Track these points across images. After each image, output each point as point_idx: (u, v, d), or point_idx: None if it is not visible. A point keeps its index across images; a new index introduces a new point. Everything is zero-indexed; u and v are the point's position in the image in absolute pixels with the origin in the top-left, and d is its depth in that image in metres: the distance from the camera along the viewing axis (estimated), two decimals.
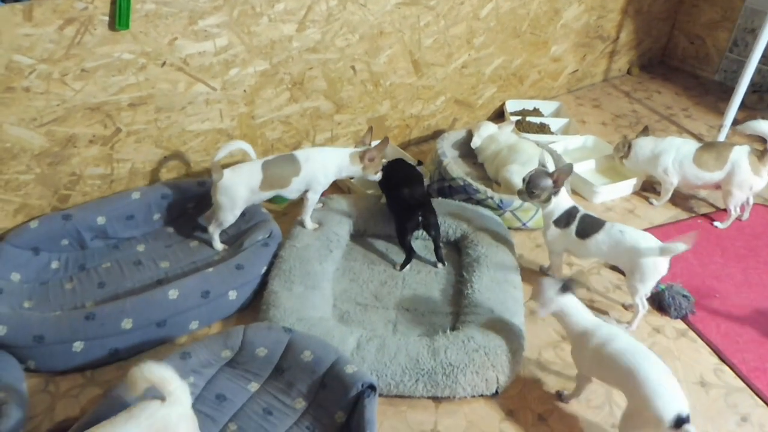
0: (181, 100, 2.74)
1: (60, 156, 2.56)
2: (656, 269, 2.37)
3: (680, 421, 1.74)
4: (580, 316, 2.06)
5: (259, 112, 3.01)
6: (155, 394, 1.66)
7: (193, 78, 2.72)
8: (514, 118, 3.89)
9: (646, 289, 2.42)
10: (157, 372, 1.65)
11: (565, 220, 2.52)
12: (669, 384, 1.82)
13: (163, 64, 2.61)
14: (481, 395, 2.23)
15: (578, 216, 2.50)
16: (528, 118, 3.94)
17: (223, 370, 2.14)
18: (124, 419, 1.59)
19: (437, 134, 3.78)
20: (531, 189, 2.50)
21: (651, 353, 1.92)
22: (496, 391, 2.23)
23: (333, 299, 2.54)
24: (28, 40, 2.27)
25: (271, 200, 3.14)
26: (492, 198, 2.99)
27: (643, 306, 2.48)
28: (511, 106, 4.10)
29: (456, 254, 2.84)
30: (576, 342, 2.09)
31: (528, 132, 3.74)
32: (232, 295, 2.50)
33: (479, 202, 3.03)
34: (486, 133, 3.38)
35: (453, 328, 2.38)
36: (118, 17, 2.38)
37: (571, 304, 2.07)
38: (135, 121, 2.67)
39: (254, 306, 2.53)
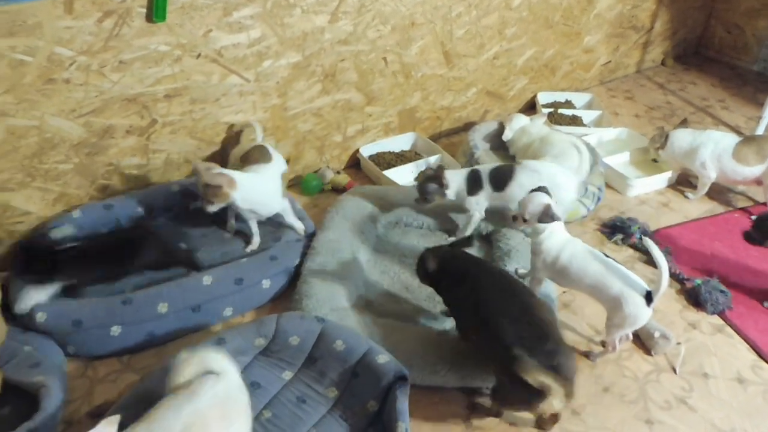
0: (215, 92, 2.77)
1: (98, 146, 2.61)
2: None
3: None
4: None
5: (291, 104, 3.02)
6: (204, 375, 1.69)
7: (227, 69, 2.74)
8: (546, 111, 3.85)
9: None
10: (202, 355, 1.70)
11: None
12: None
13: (198, 55, 2.63)
14: None
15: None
16: (560, 110, 3.90)
17: (257, 358, 2.16)
18: (187, 396, 1.62)
19: (468, 126, 3.76)
20: (424, 196, 2.60)
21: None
22: None
23: (364, 291, 2.55)
24: (68, 33, 2.32)
25: (302, 190, 3.18)
26: None
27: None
28: (543, 98, 4.06)
29: (488, 247, 2.83)
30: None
31: (560, 124, 3.70)
32: (266, 284, 2.53)
33: None
34: (518, 125, 3.35)
35: None
36: (155, 9, 2.41)
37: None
38: (170, 112, 2.70)
39: (287, 296, 2.56)
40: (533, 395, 1.80)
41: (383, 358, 2.03)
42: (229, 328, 2.26)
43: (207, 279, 2.42)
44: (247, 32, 2.71)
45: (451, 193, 2.67)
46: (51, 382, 2.08)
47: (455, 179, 2.67)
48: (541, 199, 2.21)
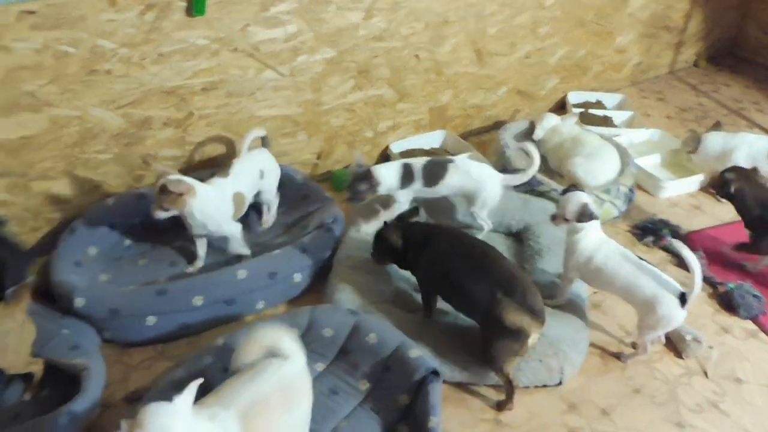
0: (250, 86, 2.80)
1: (136, 137, 2.66)
2: None
3: None
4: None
5: (324, 99, 3.05)
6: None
7: (263, 64, 2.78)
8: (577, 110, 3.84)
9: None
10: (275, 334, 1.72)
11: None
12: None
13: (235, 50, 2.67)
14: (543, 386, 2.22)
15: None
16: (590, 111, 3.88)
17: None
18: (250, 377, 1.65)
19: (498, 125, 3.75)
20: (355, 195, 2.58)
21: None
22: (559, 382, 2.22)
23: (395, 285, 2.56)
24: (111, 25, 2.36)
25: (332, 185, 3.20)
26: (555, 190, 2.96)
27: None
28: (574, 98, 4.04)
29: (518, 245, 2.83)
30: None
31: (590, 125, 3.67)
32: (297, 277, 2.56)
33: (542, 194, 3.00)
34: (549, 124, 3.34)
35: None
36: (195, 3, 2.45)
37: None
38: (207, 105, 2.75)
39: (318, 290, 2.58)
40: (517, 337, 2.01)
41: (415, 352, 2.05)
42: (263, 318, 2.29)
43: (241, 273, 2.45)
44: (284, 27, 2.74)
45: (383, 189, 2.64)
46: (92, 365, 2.13)
47: (386, 174, 2.63)
48: (580, 198, 2.21)
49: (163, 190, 2.29)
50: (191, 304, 2.36)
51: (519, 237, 2.87)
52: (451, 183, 2.68)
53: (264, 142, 2.78)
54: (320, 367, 2.17)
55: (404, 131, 3.47)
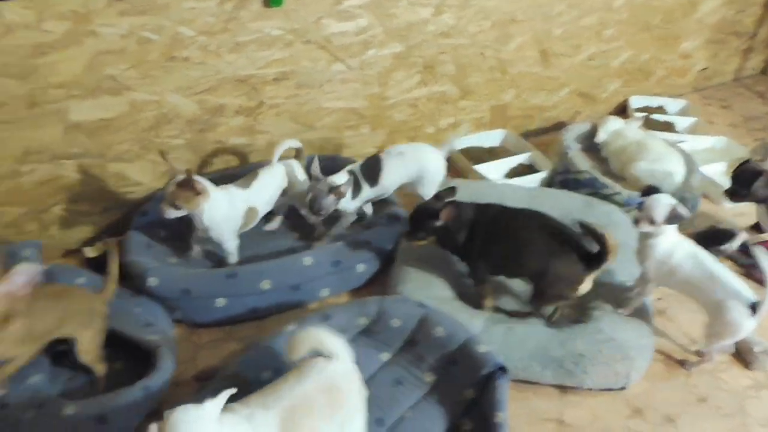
0: (320, 78, 2.84)
1: (209, 124, 2.72)
2: None
3: None
4: None
5: (390, 93, 3.07)
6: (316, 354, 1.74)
7: (334, 56, 2.81)
8: (639, 115, 3.78)
9: None
10: (320, 335, 1.73)
11: None
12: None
13: (308, 41, 2.71)
14: (608, 390, 2.21)
15: None
16: (652, 116, 3.82)
17: (357, 337, 2.22)
18: (296, 377, 1.67)
19: (558, 126, 3.73)
20: (316, 210, 2.47)
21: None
22: (623, 387, 2.20)
23: (458, 282, 2.57)
24: (192, 13, 2.42)
25: None
26: (619, 194, 2.93)
27: None
28: (635, 102, 3.98)
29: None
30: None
31: (652, 130, 3.62)
32: (361, 267, 2.59)
33: (605, 198, 2.97)
34: (612, 128, 3.31)
35: (579, 321, 2.36)
36: None
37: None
38: (277, 95, 2.79)
39: (380, 281, 2.61)
40: (571, 284, 2.20)
41: (483, 347, 2.06)
42: (334, 305, 2.32)
43: (307, 260, 2.50)
44: (355, 21, 2.77)
45: (345, 201, 2.57)
46: (165, 343, 2.20)
47: (348, 186, 2.53)
48: (668, 200, 2.19)
49: (182, 185, 2.27)
50: (259, 288, 2.41)
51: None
52: (391, 173, 2.66)
53: (297, 153, 2.77)
54: (385, 357, 2.20)
55: (465, 128, 3.47)
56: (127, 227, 2.64)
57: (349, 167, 2.68)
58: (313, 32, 2.69)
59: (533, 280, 2.28)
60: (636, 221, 2.23)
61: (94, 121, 2.49)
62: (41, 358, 2.21)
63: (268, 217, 2.74)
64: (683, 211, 2.17)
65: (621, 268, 2.52)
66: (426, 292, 2.37)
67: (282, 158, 2.68)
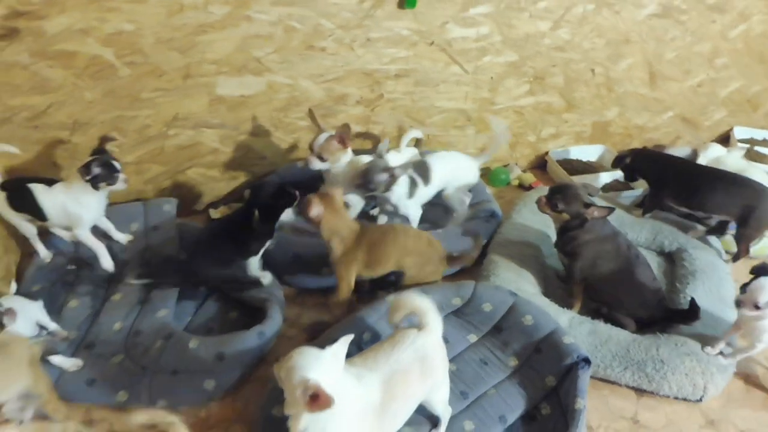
0: (436, 78, 3.06)
1: (331, 110, 2.99)
2: None
3: None
4: None
5: (498, 99, 3.25)
6: (411, 323, 1.94)
7: (452, 59, 3.02)
8: (742, 145, 3.78)
9: None
10: (421, 302, 1.92)
11: None
12: None
13: (431, 43, 2.92)
14: (684, 399, 2.29)
15: None
16: (756, 148, 3.81)
17: (449, 317, 2.41)
18: (391, 345, 1.86)
19: (657, 148, 3.77)
20: (366, 182, 2.52)
21: None
22: (700, 399, 2.28)
23: (545, 279, 2.71)
24: (334, 8, 2.69)
25: (489, 180, 3.38)
26: (710, 218, 2.99)
27: None
28: (739, 132, 3.97)
29: (669, 264, 2.89)
30: None
31: (755, 162, 3.62)
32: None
33: (699, 220, 3.03)
34: (713, 154, 3.34)
35: (661, 332, 2.45)
36: None
37: None
38: (396, 90, 3.03)
39: (472, 272, 2.78)
40: None
41: (568, 339, 2.20)
42: (431, 284, 2.52)
43: None
44: (477, 28, 2.96)
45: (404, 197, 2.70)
46: (275, 298, 2.46)
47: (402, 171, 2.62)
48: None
49: (331, 138, 2.58)
50: None
51: (671, 257, 2.92)
52: (438, 174, 2.77)
53: (417, 143, 2.99)
54: (473, 338, 2.37)
55: (565, 140, 3.60)
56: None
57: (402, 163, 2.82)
58: (437, 35, 2.91)
59: None
60: (738, 303, 2.19)
61: (235, 96, 2.80)
62: (169, 295, 2.54)
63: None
64: None
65: (710, 285, 2.60)
66: (515, 285, 2.52)
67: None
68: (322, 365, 1.61)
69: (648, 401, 2.30)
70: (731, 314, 2.49)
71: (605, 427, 2.19)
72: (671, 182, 2.93)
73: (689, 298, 2.53)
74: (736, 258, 2.87)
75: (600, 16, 3.14)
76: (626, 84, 3.49)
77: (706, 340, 2.36)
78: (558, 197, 2.44)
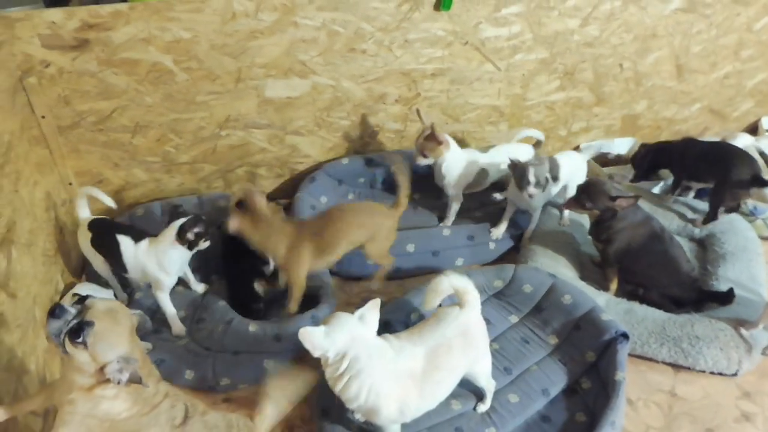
0: (470, 76, 3.20)
1: (372, 109, 3.15)
2: None
3: None
4: None
5: (530, 95, 3.38)
6: (452, 301, 2.08)
7: (485, 58, 3.16)
8: None
9: None
10: (460, 281, 2.06)
11: None
12: None
13: (466, 43, 3.07)
14: (720, 374, 2.39)
15: None
16: None
17: (490, 299, 2.54)
18: (435, 321, 2.02)
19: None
20: (535, 182, 2.63)
21: None
22: (735, 373, 2.38)
23: (581, 264, 2.83)
24: (374, 12, 2.85)
25: None
26: (745, 203, 3.07)
27: None
28: (767, 122, 4.04)
29: (701, 249, 2.98)
30: None
31: None
32: (492, 245, 2.92)
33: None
34: (742, 143, 3.43)
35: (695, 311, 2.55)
36: (444, 0, 2.88)
37: None
38: (432, 88, 3.18)
39: (509, 260, 2.91)
40: None
41: (607, 316, 2.32)
42: (474, 268, 2.66)
43: (446, 231, 2.89)
44: (509, 27, 3.10)
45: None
46: (327, 286, 2.63)
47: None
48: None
49: (428, 138, 2.77)
50: (405, 250, 2.80)
51: (702, 243, 3.01)
52: (565, 172, 2.88)
53: (537, 144, 3.10)
54: (514, 319, 2.51)
55: (595, 134, 3.71)
56: (294, 192, 3.12)
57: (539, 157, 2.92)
58: (471, 35, 3.05)
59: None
60: None
61: (282, 98, 2.98)
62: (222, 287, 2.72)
63: None
64: None
65: (741, 267, 2.69)
66: (552, 270, 2.64)
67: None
68: (346, 325, 1.82)
69: (684, 376, 2.40)
70: (764, 294, 2.59)
71: (644, 400, 2.31)
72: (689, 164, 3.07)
73: (721, 281, 2.64)
74: (706, 221, 3.01)
75: (627, 12, 3.26)
76: (654, 77, 3.59)
77: (739, 322, 2.44)
78: (584, 196, 2.58)
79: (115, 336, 1.53)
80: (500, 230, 2.94)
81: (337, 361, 1.81)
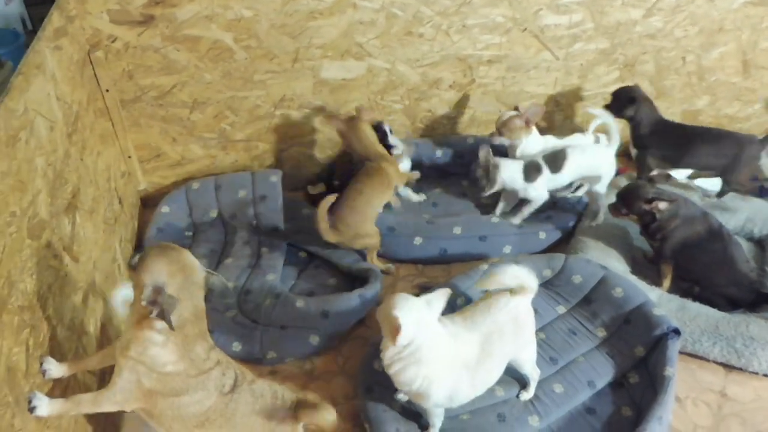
0: (527, 64, 3.16)
1: (425, 94, 3.15)
2: None
3: None
4: None
5: (587, 86, 3.32)
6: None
7: (544, 46, 3.11)
8: None
9: None
10: (520, 272, 2.04)
11: None
12: None
13: (525, 30, 3.03)
14: None
15: None
16: None
17: (538, 289, 2.50)
18: (486, 307, 2.03)
19: None
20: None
21: None
22: None
23: (633, 259, 2.77)
24: None
25: None
26: None
27: None
28: None
29: (759, 250, 2.89)
30: None
31: None
32: (542, 234, 2.90)
33: None
34: None
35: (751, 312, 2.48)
36: None
37: None
38: (488, 75, 3.15)
39: (557, 250, 2.87)
40: None
41: (659, 311, 2.27)
42: (523, 255, 2.64)
43: (495, 219, 2.87)
44: (570, 15, 3.04)
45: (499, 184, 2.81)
46: (375, 267, 2.65)
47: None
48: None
49: (511, 118, 2.85)
50: (452, 233, 2.81)
51: (761, 243, 2.91)
52: (573, 166, 2.81)
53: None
54: (561, 309, 2.48)
55: None
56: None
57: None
58: (530, 22, 3.01)
59: None
60: None
61: (337, 79, 3.00)
62: (276, 260, 2.77)
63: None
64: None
65: None
66: (603, 262, 2.59)
67: None
68: (413, 309, 1.81)
69: (736, 377, 2.34)
70: None
71: (693, 399, 2.26)
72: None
73: None
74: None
75: (693, 5, 3.16)
76: (718, 73, 3.48)
77: None
78: (619, 204, 2.58)
79: (157, 265, 1.58)
80: (499, 209, 2.98)
81: (402, 346, 1.81)
